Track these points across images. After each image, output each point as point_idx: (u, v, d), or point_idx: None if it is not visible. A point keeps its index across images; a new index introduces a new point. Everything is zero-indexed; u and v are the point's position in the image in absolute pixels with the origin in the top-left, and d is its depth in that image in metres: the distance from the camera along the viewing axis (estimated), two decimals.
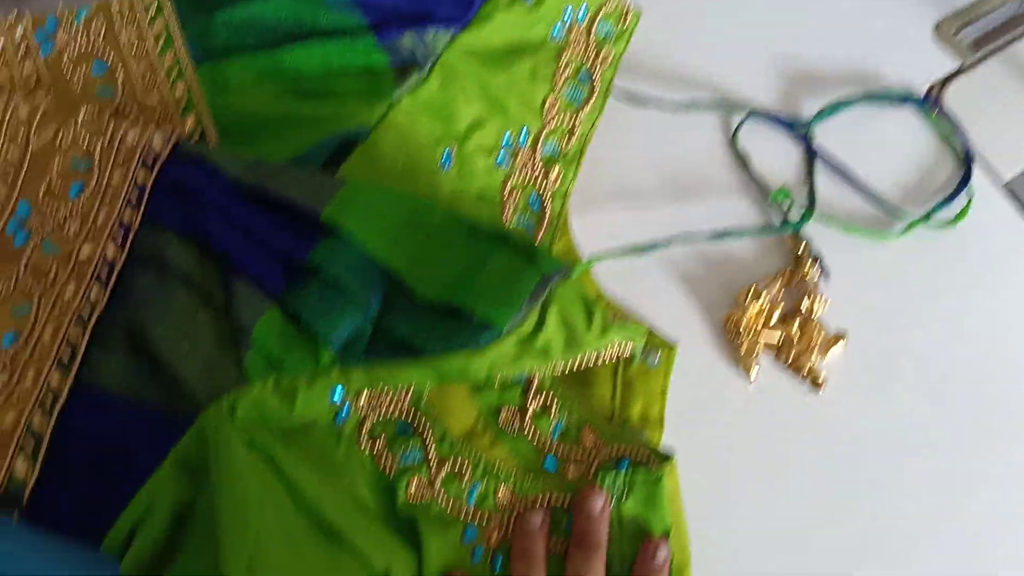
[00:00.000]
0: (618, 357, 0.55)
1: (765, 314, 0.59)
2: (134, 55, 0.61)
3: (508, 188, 0.60)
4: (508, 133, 0.61)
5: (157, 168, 0.56)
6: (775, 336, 0.58)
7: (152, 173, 0.56)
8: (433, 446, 0.52)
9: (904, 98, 0.66)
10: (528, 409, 0.54)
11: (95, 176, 0.57)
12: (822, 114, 0.65)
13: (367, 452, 0.52)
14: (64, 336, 0.52)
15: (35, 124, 0.57)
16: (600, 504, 0.50)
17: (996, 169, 0.65)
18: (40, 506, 0.49)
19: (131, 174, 0.56)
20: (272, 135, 0.59)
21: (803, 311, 0.59)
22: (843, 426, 0.57)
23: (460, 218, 0.52)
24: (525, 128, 0.61)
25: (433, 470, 0.52)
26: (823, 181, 0.64)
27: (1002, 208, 0.64)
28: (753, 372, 0.58)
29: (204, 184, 0.54)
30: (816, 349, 0.58)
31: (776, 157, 0.65)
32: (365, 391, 0.52)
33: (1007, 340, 0.60)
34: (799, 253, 0.61)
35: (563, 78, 0.63)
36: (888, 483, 0.55)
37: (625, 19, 0.65)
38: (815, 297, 0.59)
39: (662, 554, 0.50)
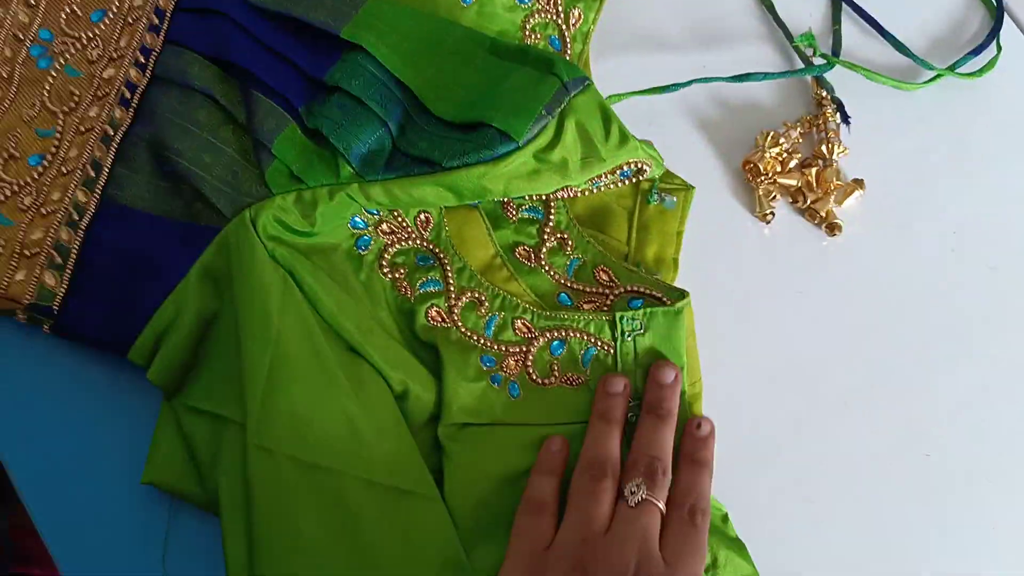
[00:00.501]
0: (635, 199, 0.55)
1: (783, 159, 0.59)
2: None
3: (528, 28, 0.59)
4: None
5: None
6: (792, 181, 0.59)
7: None
8: (453, 277, 0.53)
9: None
10: (544, 246, 0.55)
11: (114, 5, 0.57)
12: None
13: (388, 279, 0.53)
14: (89, 155, 0.53)
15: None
16: (672, 375, 0.51)
17: (1021, 14, 0.64)
18: (70, 317, 0.50)
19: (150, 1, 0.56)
20: None
21: (822, 157, 0.59)
22: (857, 271, 0.58)
23: (481, 36, 0.52)
24: None
25: (452, 299, 0.53)
26: (850, 30, 0.63)
27: None
28: (769, 216, 0.58)
29: (227, 5, 0.54)
30: (833, 195, 0.58)
31: (804, 4, 0.64)
32: (386, 222, 0.53)
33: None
34: (821, 99, 0.61)
35: None
36: (899, 328, 0.57)
37: None
38: (834, 144, 0.59)
39: (670, 374, 0.51)
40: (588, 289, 0.54)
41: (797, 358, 0.56)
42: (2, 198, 0.52)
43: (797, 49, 0.62)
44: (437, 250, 0.54)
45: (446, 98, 0.50)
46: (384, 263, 0.53)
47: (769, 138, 0.59)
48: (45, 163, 0.53)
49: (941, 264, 0.58)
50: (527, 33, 0.59)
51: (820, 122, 0.60)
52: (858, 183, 0.59)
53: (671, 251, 0.56)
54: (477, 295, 0.53)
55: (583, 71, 0.48)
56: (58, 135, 0.54)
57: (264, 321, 0.47)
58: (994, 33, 0.62)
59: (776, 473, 0.53)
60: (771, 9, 0.63)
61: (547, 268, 0.55)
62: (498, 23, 0.59)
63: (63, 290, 0.50)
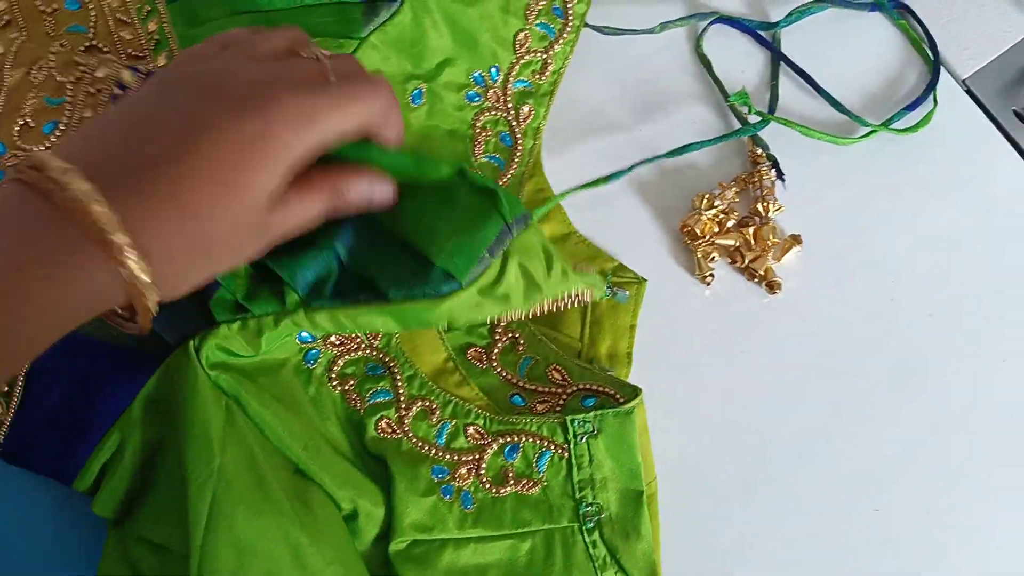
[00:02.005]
0: (578, 302, 0.55)
1: (720, 219, 0.58)
2: None
3: (480, 125, 0.59)
4: (479, 70, 0.60)
5: None
6: (730, 241, 0.58)
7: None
8: (403, 386, 0.53)
9: (873, 4, 0.64)
10: (496, 346, 0.54)
11: (68, 113, 0.56)
12: (790, 18, 0.63)
13: (337, 391, 0.52)
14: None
15: (8, 62, 0.57)
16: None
17: (955, 67, 0.64)
18: (16, 445, 0.49)
19: (104, 109, 0.55)
20: None
21: (759, 216, 0.59)
22: (799, 326, 0.57)
23: (425, 156, 0.52)
24: (496, 64, 0.60)
25: (403, 409, 0.52)
26: (788, 88, 0.63)
27: (962, 106, 0.63)
28: (709, 278, 0.58)
29: None
30: (771, 252, 0.58)
31: (744, 64, 0.64)
32: (334, 334, 0.52)
33: (963, 240, 0.59)
34: (756, 156, 0.60)
35: (535, 11, 0.61)
36: (843, 381, 0.56)
37: None
38: (770, 202, 0.59)
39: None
40: (541, 389, 0.53)
41: (744, 417, 0.55)
42: None
43: (732, 107, 0.62)
44: (387, 359, 0.53)
45: (390, 215, 0.50)
46: (333, 375, 0.53)
47: (705, 200, 0.59)
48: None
49: (881, 314, 0.57)
50: (478, 131, 0.59)
51: (756, 180, 0.60)
52: (795, 239, 0.58)
53: (624, 345, 0.55)
54: (428, 403, 0.53)
55: (523, 209, 0.48)
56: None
57: (207, 454, 0.45)
58: (930, 88, 0.62)
59: (728, 534, 0.53)
60: (708, 67, 0.63)
61: (499, 369, 0.54)
62: (449, 121, 0.59)
63: (9, 418, 0.49)
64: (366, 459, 0.52)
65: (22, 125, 0.56)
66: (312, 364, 0.52)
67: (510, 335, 0.54)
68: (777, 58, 0.63)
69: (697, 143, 0.60)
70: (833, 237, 0.59)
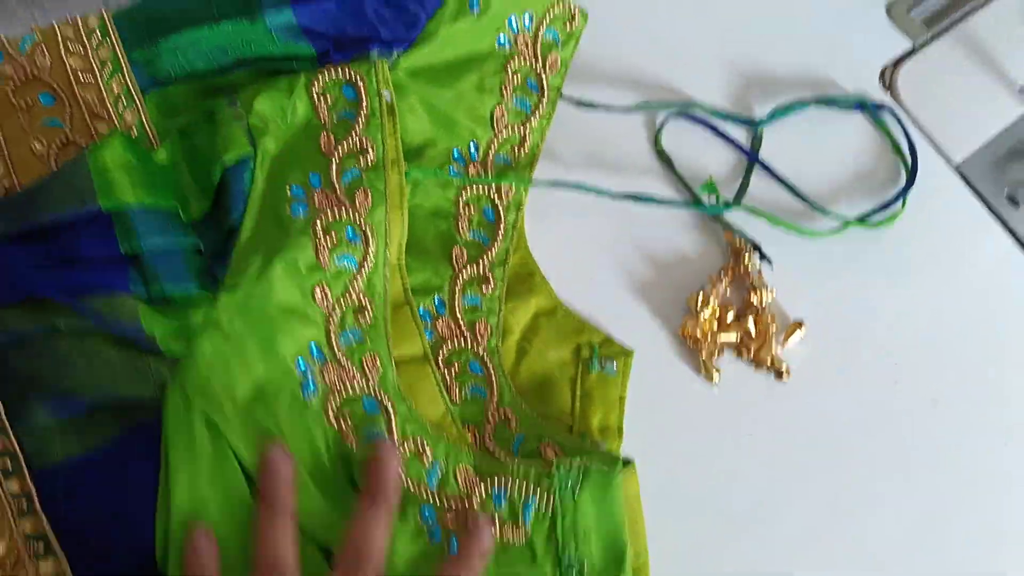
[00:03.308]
0: (577, 367, 0.55)
1: (718, 316, 0.58)
2: (81, 83, 0.59)
3: (462, 202, 0.59)
4: (458, 148, 0.60)
5: None
6: (732, 335, 0.58)
7: None
8: (397, 426, 0.52)
9: (857, 104, 0.65)
10: (488, 425, 0.53)
11: None
12: (772, 116, 0.63)
13: (332, 426, 0.51)
14: None
15: None
16: (390, 451, 0.49)
17: (948, 150, 0.64)
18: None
19: None
20: None
21: (754, 304, 0.59)
22: (812, 411, 0.57)
23: None
24: (475, 141, 0.60)
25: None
26: (760, 179, 0.63)
27: (955, 190, 0.63)
28: (716, 375, 0.57)
29: None
30: (774, 339, 0.58)
31: (715, 154, 0.64)
32: (331, 365, 0.52)
33: (962, 324, 0.59)
34: (736, 245, 0.60)
35: (511, 87, 0.61)
36: (849, 465, 0.56)
37: (572, 23, 0.63)
38: (761, 288, 0.59)
39: (485, 533, 0.49)
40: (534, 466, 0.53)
41: (744, 499, 0.55)
42: None
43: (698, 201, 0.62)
44: (383, 398, 0.52)
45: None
46: (330, 412, 0.52)
47: (700, 299, 0.58)
48: None
49: (885, 401, 0.57)
50: (461, 208, 0.58)
51: (742, 268, 0.60)
52: (797, 324, 0.58)
53: (615, 418, 0.54)
54: (420, 443, 0.52)
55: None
56: None
57: (191, 494, 0.47)
58: (904, 191, 0.61)
59: None
60: (668, 163, 0.63)
61: (492, 447, 0.53)
62: (432, 200, 0.58)
63: (66, 567, 0.48)
64: (351, 498, 0.50)
65: None
66: (309, 398, 0.51)
67: (502, 413, 0.54)
68: (751, 159, 0.63)
69: (658, 199, 0.60)
70: (833, 319, 0.59)
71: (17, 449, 0.50)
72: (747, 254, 0.60)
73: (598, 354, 0.55)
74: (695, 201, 0.61)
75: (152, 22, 0.59)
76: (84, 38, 0.60)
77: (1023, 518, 0.55)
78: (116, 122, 0.58)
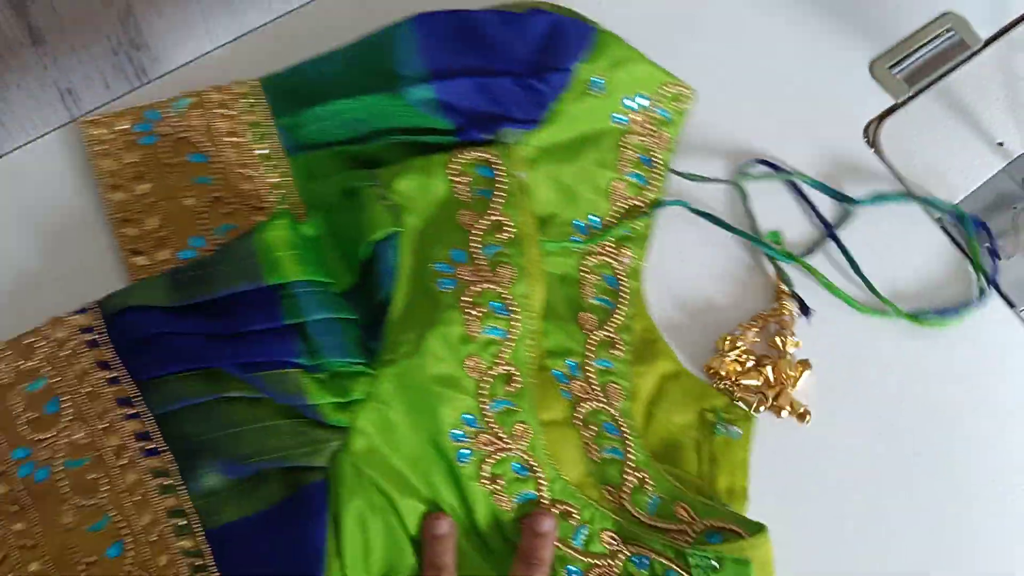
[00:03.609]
0: (701, 430, 0.60)
1: (743, 360, 0.63)
2: (231, 144, 0.63)
3: (585, 269, 0.63)
4: (579, 219, 0.64)
5: (104, 337, 0.56)
6: (753, 380, 0.62)
7: (104, 344, 0.55)
8: (546, 489, 0.56)
9: (955, 213, 0.68)
10: (626, 485, 0.58)
11: (57, 383, 0.55)
12: (871, 201, 0.67)
13: (488, 489, 0.56)
14: (162, 509, 0.53)
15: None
16: (547, 523, 0.54)
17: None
18: None
19: (86, 360, 0.55)
20: None
21: (777, 349, 0.63)
22: (841, 447, 0.61)
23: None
24: (595, 212, 0.65)
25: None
26: (824, 253, 0.67)
27: (939, 242, 0.68)
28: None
29: (155, 325, 0.55)
30: (789, 384, 0.62)
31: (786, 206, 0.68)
32: (484, 434, 0.56)
33: (975, 421, 0.63)
34: (780, 292, 0.65)
35: (627, 163, 0.66)
36: (899, 489, 0.60)
37: (681, 102, 0.68)
38: (787, 335, 0.63)
39: (545, 524, 0.54)
40: (669, 527, 0.56)
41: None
42: None
43: (761, 243, 0.66)
44: (532, 462, 0.56)
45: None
46: (484, 476, 0.56)
47: (727, 342, 0.63)
48: (126, 546, 0.52)
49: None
50: (585, 274, 0.63)
51: (776, 314, 0.64)
52: (804, 364, 0.63)
53: (741, 480, 0.59)
54: (568, 506, 0.56)
55: None
56: (117, 516, 0.52)
57: (365, 557, 0.52)
58: (973, 304, 0.65)
59: None
60: (743, 198, 0.67)
61: (630, 507, 0.57)
62: (558, 267, 0.63)
63: None
64: (506, 556, 0.55)
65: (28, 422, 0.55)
66: (464, 463, 0.55)
67: (639, 475, 0.58)
68: (829, 234, 0.67)
69: (728, 224, 0.66)
70: (844, 363, 0.63)
71: (189, 508, 0.53)
72: (786, 302, 0.64)
73: (722, 418, 0.60)
74: (763, 242, 0.66)
75: (298, 91, 0.64)
76: (235, 102, 0.63)
77: None
78: (262, 182, 0.62)
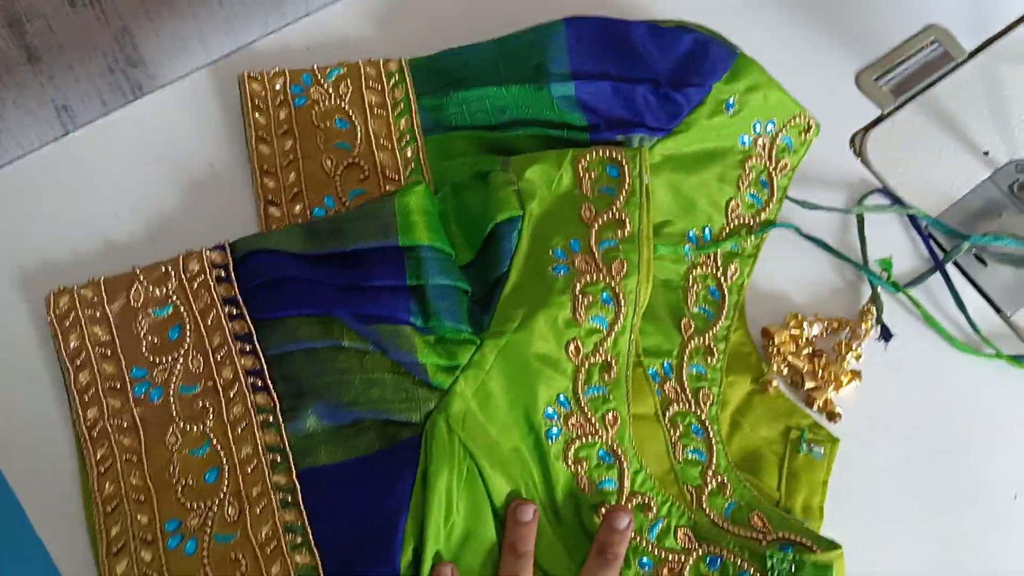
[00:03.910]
0: (785, 447, 0.61)
1: (799, 343, 0.64)
2: (374, 116, 0.66)
3: (691, 278, 0.65)
4: (693, 230, 0.66)
5: (232, 274, 0.59)
6: (800, 364, 0.63)
7: (232, 281, 0.59)
8: (628, 479, 0.58)
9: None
10: (706, 489, 0.59)
11: (184, 312, 0.59)
12: (983, 238, 0.68)
13: (570, 470, 0.57)
14: (262, 444, 0.56)
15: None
16: (625, 521, 0.55)
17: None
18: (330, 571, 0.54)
19: (214, 293, 0.59)
20: None
21: (838, 350, 0.64)
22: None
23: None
24: (709, 226, 0.66)
25: (624, 500, 0.57)
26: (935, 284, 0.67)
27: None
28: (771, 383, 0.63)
29: (284, 269, 0.58)
30: (832, 386, 0.63)
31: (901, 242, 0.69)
32: (575, 416, 0.58)
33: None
34: (866, 311, 0.65)
35: (746, 183, 0.67)
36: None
37: (807, 133, 0.70)
38: (855, 346, 0.64)
39: (623, 520, 0.55)
40: (743, 533, 0.57)
41: None
42: (210, 522, 0.54)
43: (868, 270, 0.67)
44: (619, 450, 0.58)
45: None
46: (569, 456, 0.58)
47: (794, 320, 0.64)
48: (223, 472, 0.55)
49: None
50: (690, 283, 0.64)
51: (852, 328, 0.65)
52: (855, 374, 0.63)
53: (818, 500, 0.59)
54: (647, 498, 0.57)
55: None
56: (216, 443, 0.55)
57: (447, 514, 0.53)
58: None
59: None
60: (860, 224, 0.68)
61: (707, 509, 0.59)
62: (664, 272, 0.64)
63: (318, 561, 0.53)
64: (580, 537, 0.56)
65: (149, 347, 0.58)
66: (552, 441, 0.58)
67: (719, 479, 0.59)
68: (937, 267, 0.67)
69: (832, 248, 0.67)
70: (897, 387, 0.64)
71: (288, 446, 0.56)
72: (869, 321, 0.65)
73: (806, 438, 0.61)
74: (867, 269, 0.67)
75: (445, 75, 0.67)
76: (383, 78, 0.67)
77: None
78: (397, 154, 0.65)
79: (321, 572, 0.53)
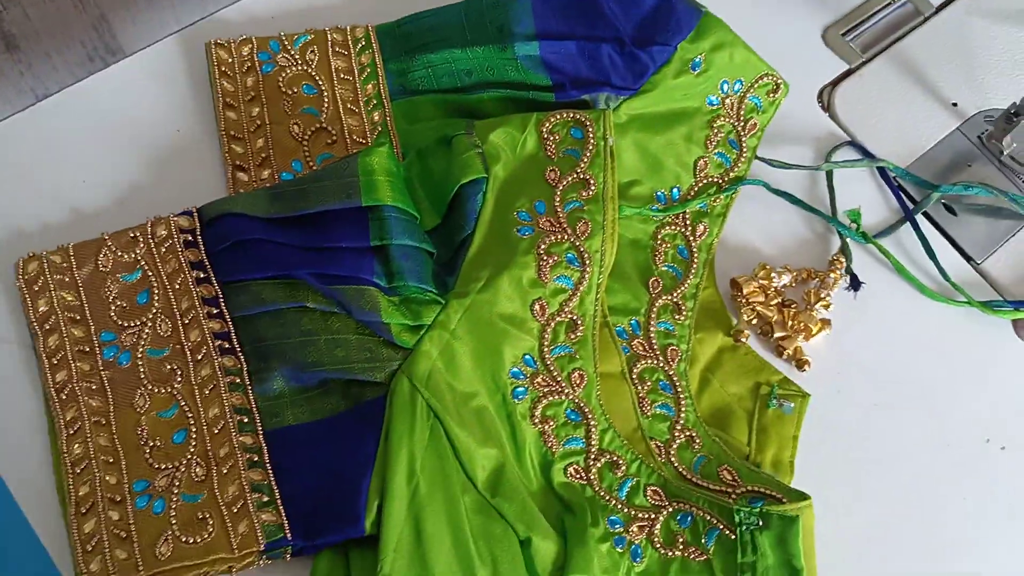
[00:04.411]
0: (755, 402, 0.60)
1: (767, 293, 0.63)
2: (340, 81, 0.66)
3: (660, 237, 0.64)
4: (661, 190, 0.66)
5: (200, 239, 0.59)
6: (770, 313, 0.63)
7: (199, 246, 0.59)
8: (596, 437, 0.57)
9: None
10: (674, 442, 0.59)
11: (152, 277, 0.59)
12: (953, 187, 0.68)
13: (536, 429, 0.57)
14: (229, 405, 0.56)
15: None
16: None
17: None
18: (300, 535, 0.53)
19: (182, 258, 0.59)
20: None
21: (807, 301, 0.64)
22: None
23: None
24: (677, 186, 0.66)
25: (591, 459, 0.57)
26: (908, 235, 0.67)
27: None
28: (740, 334, 0.63)
29: (250, 231, 0.58)
30: (802, 335, 0.63)
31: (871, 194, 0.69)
32: (541, 375, 0.58)
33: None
34: (835, 261, 0.65)
35: (714, 142, 0.67)
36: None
37: (775, 93, 0.69)
38: (824, 296, 0.64)
39: None
40: (712, 487, 0.57)
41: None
42: (178, 482, 0.54)
43: (836, 221, 0.67)
44: (586, 409, 0.58)
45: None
46: (536, 415, 0.57)
47: (763, 270, 0.64)
48: (191, 434, 0.55)
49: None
50: (658, 242, 0.64)
51: (821, 277, 0.64)
52: (825, 323, 0.63)
53: (788, 455, 0.59)
54: (616, 457, 0.57)
55: None
56: (184, 405, 0.56)
57: (408, 470, 0.53)
58: None
59: None
60: (829, 176, 0.68)
61: (675, 463, 0.58)
62: (632, 232, 0.64)
63: (284, 519, 0.53)
64: (549, 496, 0.56)
65: (117, 310, 0.58)
66: (518, 400, 0.57)
67: (688, 433, 0.59)
68: (907, 217, 0.67)
69: (803, 202, 0.67)
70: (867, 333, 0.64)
71: (254, 407, 0.56)
72: (838, 271, 0.65)
73: (776, 393, 0.60)
74: (837, 220, 0.67)
75: (411, 39, 0.67)
76: (350, 44, 0.67)
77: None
78: (364, 119, 0.65)
79: (287, 530, 0.53)
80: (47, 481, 0.55)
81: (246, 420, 0.56)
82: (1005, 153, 0.70)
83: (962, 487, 0.61)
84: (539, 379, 0.58)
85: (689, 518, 0.56)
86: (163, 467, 0.54)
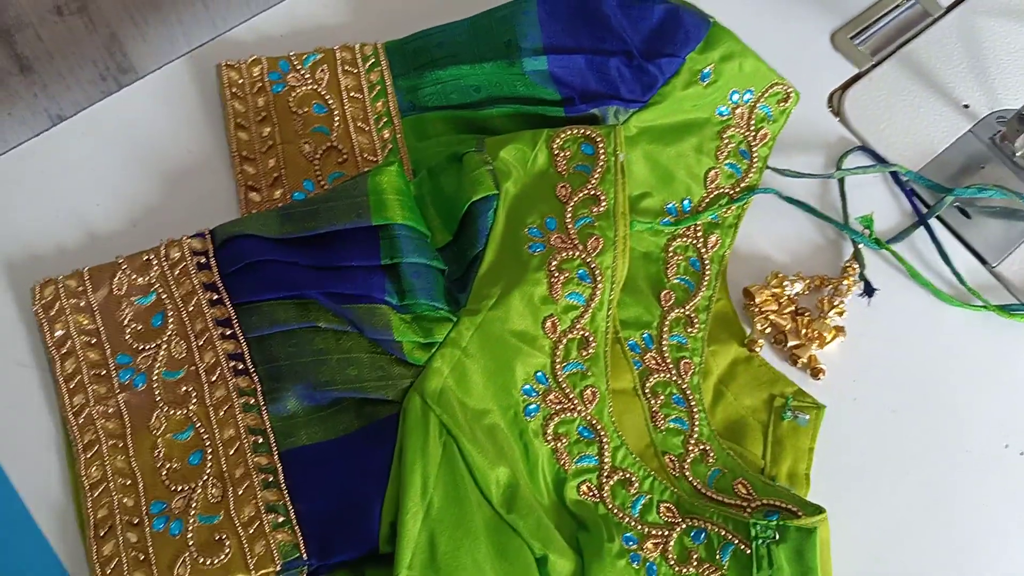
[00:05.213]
0: (770, 414, 0.60)
1: (780, 301, 0.63)
2: (350, 99, 0.66)
3: (671, 250, 0.64)
4: (672, 202, 0.65)
5: (212, 261, 0.59)
6: (784, 322, 0.62)
7: (212, 267, 0.59)
8: (608, 455, 0.57)
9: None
10: (688, 456, 0.58)
11: (166, 299, 0.59)
12: (966, 190, 0.66)
13: (549, 446, 0.57)
14: (244, 426, 0.55)
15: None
16: None
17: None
18: (316, 556, 0.53)
19: (195, 280, 0.59)
20: None
21: (821, 309, 0.63)
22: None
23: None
24: (689, 197, 0.65)
25: (604, 477, 0.56)
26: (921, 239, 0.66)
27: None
28: (755, 344, 0.62)
29: (261, 252, 0.58)
30: (816, 343, 0.62)
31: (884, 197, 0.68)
32: (554, 393, 0.57)
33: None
34: (848, 268, 0.64)
35: (725, 153, 0.66)
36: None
37: (785, 102, 0.69)
38: (837, 303, 0.63)
39: None
40: (727, 500, 0.56)
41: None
42: (194, 504, 0.54)
43: (848, 227, 0.66)
44: (598, 426, 0.57)
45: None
46: (548, 432, 0.57)
47: (776, 279, 0.63)
48: (207, 455, 0.55)
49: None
50: (669, 255, 0.63)
51: (835, 284, 0.63)
52: (839, 330, 0.62)
53: (804, 467, 0.58)
54: (628, 474, 0.56)
55: None
56: (199, 427, 0.56)
57: (421, 488, 0.52)
58: None
59: None
60: (840, 183, 0.67)
61: (690, 477, 0.58)
62: (643, 245, 0.63)
63: (300, 539, 0.53)
64: (562, 514, 0.56)
65: (133, 334, 0.59)
66: (530, 418, 0.57)
67: (702, 447, 0.58)
68: (920, 222, 0.66)
69: (815, 210, 0.66)
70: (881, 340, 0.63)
71: (268, 428, 0.56)
72: (851, 278, 0.64)
73: (791, 405, 0.60)
74: (849, 227, 0.66)
75: (420, 55, 0.66)
76: (359, 62, 0.67)
77: None
78: (375, 137, 0.65)
79: (303, 549, 0.53)
80: (67, 504, 0.55)
81: (260, 440, 0.55)
82: (1018, 154, 0.69)
83: (981, 494, 0.60)
84: (551, 396, 0.58)
85: (703, 534, 0.55)
86: (180, 489, 0.54)
